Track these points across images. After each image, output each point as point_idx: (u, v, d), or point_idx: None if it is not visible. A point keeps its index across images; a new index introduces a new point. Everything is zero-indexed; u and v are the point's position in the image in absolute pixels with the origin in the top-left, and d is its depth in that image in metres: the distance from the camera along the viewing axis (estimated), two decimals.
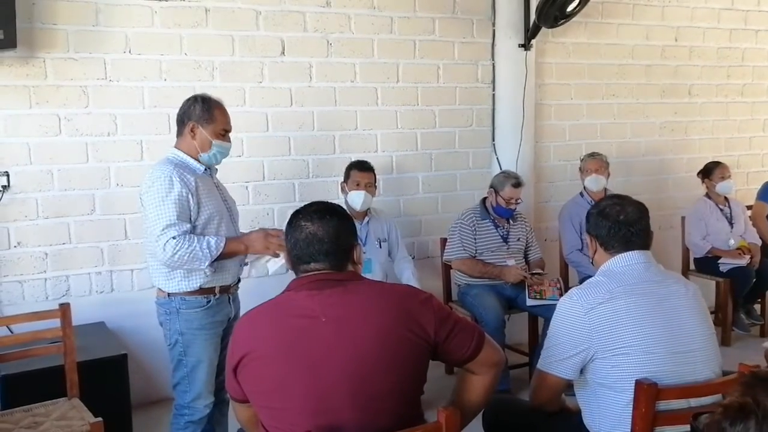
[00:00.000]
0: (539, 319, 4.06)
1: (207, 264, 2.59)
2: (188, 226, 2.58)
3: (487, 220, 4.11)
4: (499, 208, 4.07)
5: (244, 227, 3.98)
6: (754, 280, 4.80)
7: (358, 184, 3.80)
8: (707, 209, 4.92)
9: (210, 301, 2.70)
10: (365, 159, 3.98)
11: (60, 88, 3.56)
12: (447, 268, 4.27)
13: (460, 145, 4.61)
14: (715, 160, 5.01)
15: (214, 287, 2.71)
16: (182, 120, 2.77)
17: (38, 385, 2.98)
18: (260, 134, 4.01)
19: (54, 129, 3.57)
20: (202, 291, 2.67)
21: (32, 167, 3.55)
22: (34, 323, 2.94)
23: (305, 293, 1.74)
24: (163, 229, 2.54)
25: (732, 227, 4.90)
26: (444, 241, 4.24)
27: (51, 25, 3.50)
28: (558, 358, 2.12)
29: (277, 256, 2.71)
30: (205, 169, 2.76)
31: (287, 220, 1.87)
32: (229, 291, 2.80)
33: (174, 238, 2.53)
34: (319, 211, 1.84)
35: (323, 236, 1.78)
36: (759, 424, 0.99)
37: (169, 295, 2.68)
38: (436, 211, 4.58)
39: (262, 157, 4.03)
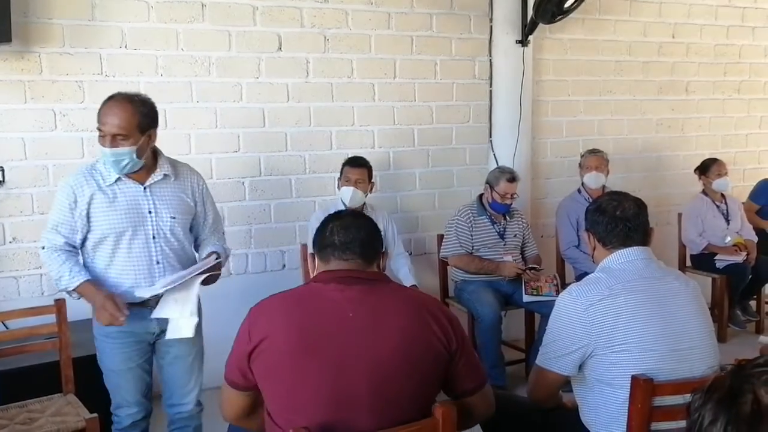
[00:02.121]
0: (536, 316, 4.07)
1: (61, 289, 2.43)
2: (61, 240, 2.41)
3: (484, 217, 4.10)
4: (495, 204, 4.07)
5: (240, 224, 4.00)
6: (750, 276, 4.81)
7: (348, 180, 3.80)
8: (704, 206, 4.93)
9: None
10: (362, 155, 3.97)
11: (55, 82, 3.54)
12: (444, 264, 4.27)
13: (457, 142, 4.60)
14: (712, 157, 5.02)
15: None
16: None
17: (33, 380, 2.98)
18: (257, 130, 4.00)
19: (49, 124, 3.55)
20: None
21: (27, 162, 3.54)
22: (29, 319, 2.93)
23: (334, 286, 1.73)
24: (43, 234, 2.45)
25: (728, 224, 4.91)
26: (441, 237, 4.24)
27: (46, 19, 3.48)
28: (556, 355, 2.12)
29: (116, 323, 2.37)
30: (119, 178, 2.45)
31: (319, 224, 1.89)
32: (147, 305, 2.50)
33: (44, 247, 2.43)
34: (356, 213, 1.99)
35: (360, 226, 1.82)
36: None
37: None
38: (433, 208, 4.58)
39: (258, 153, 4.02)
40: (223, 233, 2.84)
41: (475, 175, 4.63)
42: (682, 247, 5.04)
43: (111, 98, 2.42)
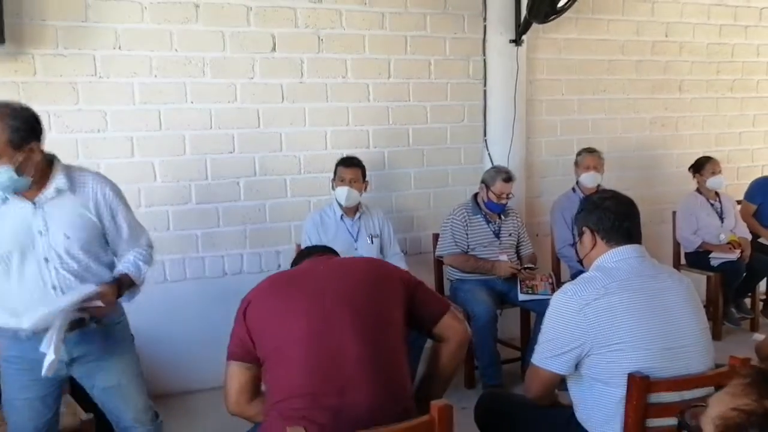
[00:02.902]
0: (531, 314, 4.07)
1: None
2: None
3: (479, 216, 4.11)
4: (490, 204, 4.07)
5: (235, 224, 4.00)
6: (745, 274, 4.83)
7: (342, 180, 3.80)
8: (698, 204, 4.95)
9: (18, 333, 2.22)
10: (357, 155, 3.97)
11: (49, 84, 3.53)
12: (439, 263, 4.27)
13: (452, 141, 4.61)
14: (706, 155, 5.04)
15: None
16: None
17: None
18: (251, 130, 4.00)
19: (43, 125, 3.54)
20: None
21: None
22: None
23: (306, 262, 2.19)
24: None
25: (722, 222, 4.93)
26: (436, 236, 4.25)
27: (40, 20, 3.48)
28: (552, 354, 2.12)
29: None
30: (5, 197, 2.20)
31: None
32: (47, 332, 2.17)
33: None
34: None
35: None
36: None
37: None
38: (428, 207, 4.58)
39: (253, 153, 4.02)
40: (148, 243, 2.52)
41: (469, 174, 4.63)
42: (677, 245, 5.05)
43: None
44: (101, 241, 2.38)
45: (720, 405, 1.00)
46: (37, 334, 2.14)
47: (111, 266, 2.43)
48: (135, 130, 3.73)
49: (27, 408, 2.33)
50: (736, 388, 1.00)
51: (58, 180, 2.25)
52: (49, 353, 2.05)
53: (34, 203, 2.22)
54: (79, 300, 2.16)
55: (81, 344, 2.32)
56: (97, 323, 2.33)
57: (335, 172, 3.86)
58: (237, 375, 1.95)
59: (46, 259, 2.23)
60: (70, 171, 2.31)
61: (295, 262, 2.33)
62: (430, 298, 2.12)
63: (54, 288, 2.25)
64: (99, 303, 2.19)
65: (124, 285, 2.35)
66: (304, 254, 2.32)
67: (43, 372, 2.08)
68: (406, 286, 2.05)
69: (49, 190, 2.23)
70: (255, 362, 1.92)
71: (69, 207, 2.27)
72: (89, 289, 2.21)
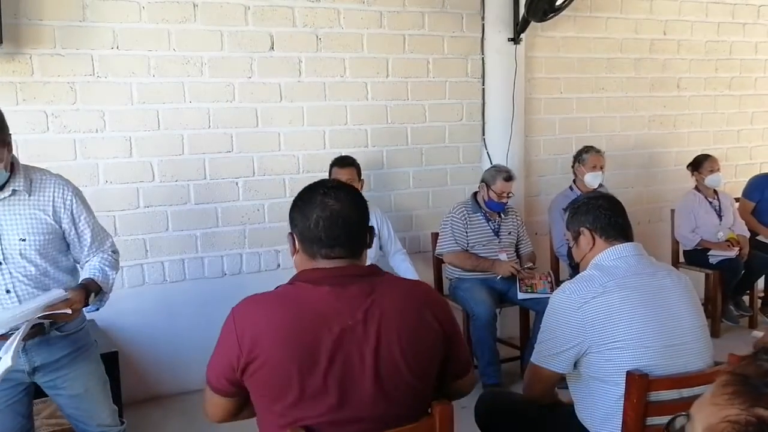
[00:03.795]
0: (530, 313, 4.08)
1: None
2: None
3: (479, 214, 4.11)
4: (490, 203, 4.07)
5: (234, 225, 4.00)
6: (743, 271, 4.84)
7: None
8: (696, 202, 4.95)
9: None
10: (355, 154, 3.98)
11: (47, 84, 3.53)
12: (438, 262, 4.27)
13: (451, 140, 4.61)
14: (704, 153, 5.04)
15: None
16: None
17: None
18: (250, 130, 3.99)
19: (41, 126, 3.54)
20: None
21: None
22: None
23: (327, 289, 1.59)
24: None
25: (721, 220, 4.93)
26: (435, 235, 4.25)
27: (37, 20, 3.47)
28: (552, 353, 2.12)
29: None
30: None
31: (298, 195, 1.68)
32: (5, 338, 2.07)
33: None
34: (340, 187, 1.69)
35: (349, 216, 1.63)
36: None
37: None
38: (427, 206, 4.58)
39: (252, 153, 4.02)
40: (113, 249, 2.42)
41: (468, 173, 4.63)
42: (676, 243, 5.06)
43: None
44: (60, 246, 2.28)
45: (706, 417, 0.94)
46: None
47: (71, 271, 2.34)
48: (133, 130, 3.72)
49: None
50: (720, 398, 0.94)
51: (16, 181, 2.16)
52: (5, 359, 1.95)
53: None
54: (46, 305, 2.06)
55: (43, 352, 2.24)
56: (58, 330, 2.25)
57: (330, 173, 3.86)
58: (224, 405, 1.74)
59: (1, 262, 2.15)
60: (29, 172, 2.22)
61: (300, 229, 1.67)
62: (462, 349, 1.80)
63: (8, 292, 2.17)
64: (66, 310, 2.08)
65: (91, 291, 2.23)
66: (311, 235, 1.64)
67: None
68: (442, 347, 1.71)
69: (6, 190, 2.15)
70: (244, 393, 1.69)
71: (24, 209, 2.19)
72: (57, 294, 2.11)
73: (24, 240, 2.17)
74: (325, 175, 4.02)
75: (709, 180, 4.90)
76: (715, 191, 5.00)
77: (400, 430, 1.65)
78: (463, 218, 4.07)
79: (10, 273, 2.16)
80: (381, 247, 3.99)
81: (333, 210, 1.62)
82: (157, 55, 3.73)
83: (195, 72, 3.82)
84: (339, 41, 4.16)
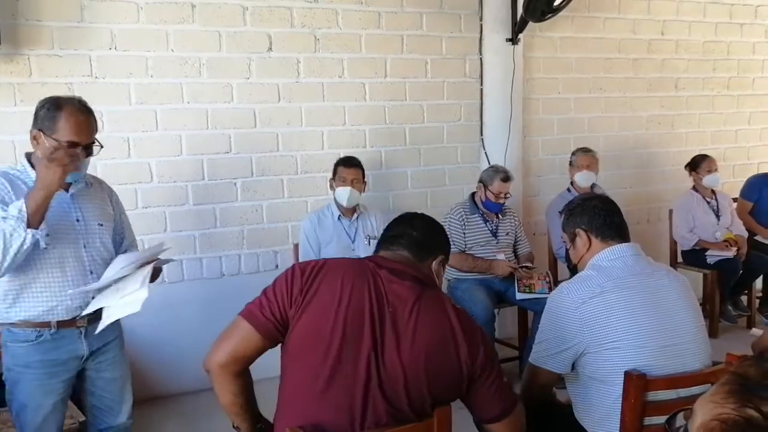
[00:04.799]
0: (529, 313, 4.08)
1: (22, 232, 2.10)
2: None
3: (477, 215, 4.11)
4: (488, 203, 4.08)
5: (232, 225, 4.00)
6: (741, 271, 4.84)
7: (344, 180, 3.79)
8: (694, 202, 4.96)
9: (42, 335, 2.27)
10: (354, 154, 3.97)
11: (45, 85, 3.52)
12: None
13: (449, 140, 4.61)
14: (702, 153, 5.05)
15: (49, 321, 2.28)
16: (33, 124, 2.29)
17: None
18: (248, 130, 3.99)
19: None
20: (32, 324, 2.27)
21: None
22: None
23: (386, 273, 1.75)
24: None
25: (719, 220, 4.94)
26: None
27: (35, 21, 3.47)
28: (549, 353, 2.12)
29: (73, 169, 2.19)
30: None
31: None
32: (74, 325, 2.33)
33: None
34: (422, 216, 2.00)
35: (416, 223, 1.91)
36: None
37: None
38: (426, 206, 4.57)
39: (250, 154, 4.02)
40: (136, 246, 2.67)
41: (466, 173, 4.64)
42: (674, 243, 5.06)
43: (73, 108, 2.28)
44: (115, 236, 2.52)
45: (704, 413, 0.97)
46: (60, 330, 2.28)
47: None
48: (131, 131, 3.72)
49: (53, 411, 2.34)
50: (717, 396, 0.97)
51: (86, 174, 2.42)
52: (143, 291, 2.22)
53: (69, 194, 2.34)
54: (151, 255, 2.37)
55: (99, 336, 2.38)
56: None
57: (335, 173, 3.85)
58: (247, 340, 1.72)
59: (85, 246, 2.35)
60: None
61: None
62: (493, 396, 1.80)
63: (91, 273, 2.35)
64: (172, 257, 2.41)
65: None
66: (382, 237, 1.94)
67: (138, 308, 2.22)
68: (466, 380, 1.75)
69: (80, 182, 2.38)
70: (275, 338, 1.74)
71: (96, 199, 2.45)
72: (159, 247, 2.42)
73: (102, 225, 2.43)
74: (324, 176, 4.03)
75: (707, 180, 4.91)
76: (713, 191, 5.01)
77: (399, 430, 1.65)
78: (460, 219, 4.07)
79: (92, 256, 2.37)
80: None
81: (405, 219, 1.96)
82: (155, 55, 3.73)
83: (193, 73, 3.82)
84: (337, 42, 4.16)
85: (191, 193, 3.91)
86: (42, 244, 2.19)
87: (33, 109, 3.55)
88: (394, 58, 4.35)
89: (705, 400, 0.99)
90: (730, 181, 5.54)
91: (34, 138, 2.28)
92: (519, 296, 3.93)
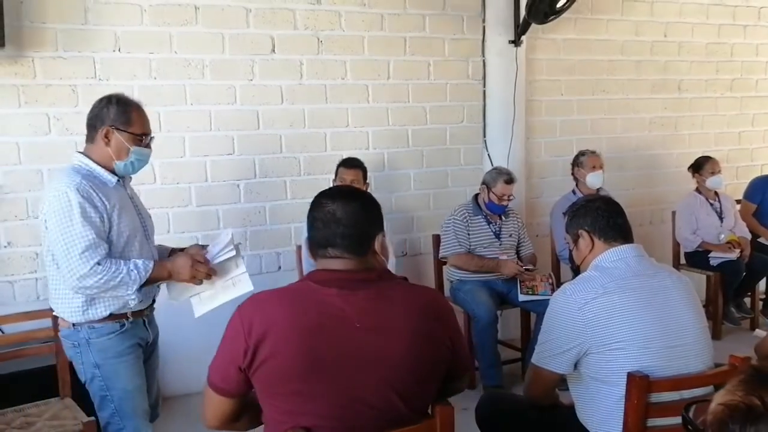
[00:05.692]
0: (532, 315, 4.08)
1: (134, 289, 2.31)
2: (106, 247, 2.29)
3: (480, 216, 4.11)
4: (491, 205, 4.08)
5: (235, 226, 4.00)
6: (744, 273, 4.84)
7: (344, 181, 3.80)
8: (697, 204, 4.95)
9: (124, 325, 2.41)
10: (356, 156, 3.97)
11: (49, 87, 3.54)
12: (439, 264, 4.27)
13: (452, 142, 4.61)
14: (705, 155, 5.04)
15: (126, 312, 2.41)
16: (93, 124, 2.40)
17: (30, 385, 2.97)
18: (251, 132, 4.00)
19: (43, 128, 3.55)
20: (112, 317, 2.38)
21: (22, 167, 3.53)
22: (25, 323, 2.94)
23: (335, 291, 1.61)
24: (82, 253, 2.22)
25: (722, 221, 4.93)
26: (436, 237, 4.25)
27: (39, 23, 3.48)
28: (552, 353, 2.12)
29: (200, 283, 2.43)
30: (118, 180, 2.42)
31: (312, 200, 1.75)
32: (142, 315, 2.50)
33: (99, 263, 2.23)
34: (343, 192, 1.78)
35: (341, 217, 1.65)
36: None
37: (74, 325, 2.37)
38: (428, 208, 4.59)
39: (253, 155, 4.02)
40: None
41: (469, 175, 4.64)
42: (677, 245, 5.06)
43: (136, 103, 2.44)
44: None
45: (717, 398, 1.03)
46: (134, 320, 2.44)
47: None
48: None
49: (144, 390, 2.50)
50: (732, 384, 1.02)
51: None
52: (248, 283, 2.46)
53: (125, 188, 2.50)
54: (229, 241, 2.48)
55: (156, 326, 2.65)
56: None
57: (336, 174, 3.86)
58: (224, 407, 1.73)
59: (147, 237, 2.52)
60: None
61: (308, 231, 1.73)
62: (460, 358, 1.80)
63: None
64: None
65: None
66: (310, 236, 1.72)
67: (252, 286, 2.41)
68: (449, 352, 1.73)
69: (128, 179, 2.54)
70: (246, 394, 1.71)
71: (137, 195, 2.62)
72: (228, 233, 2.53)
73: (149, 217, 2.61)
74: (327, 178, 4.03)
75: (710, 182, 4.90)
76: (716, 193, 5.00)
77: (400, 430, 1.65)
78: (464, 220, 4.07)
79: (152, 247, 2.55)
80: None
81: (327, 211, 1.67)
82: (158, 57, 3.74)
83: (196, 74, 3.83)
84: (340, 44, 4.17)
85: (194, 194, 3.92)
86: (131, 305, 2.39)
87: (37, 111, 3.58)
88: (396, 60, 4.35)
89: (722, 390, 1.05)
90: (733, 183, 5.53)
91: (105, 136, 2.38)
92: (522, 298, 3.93)
